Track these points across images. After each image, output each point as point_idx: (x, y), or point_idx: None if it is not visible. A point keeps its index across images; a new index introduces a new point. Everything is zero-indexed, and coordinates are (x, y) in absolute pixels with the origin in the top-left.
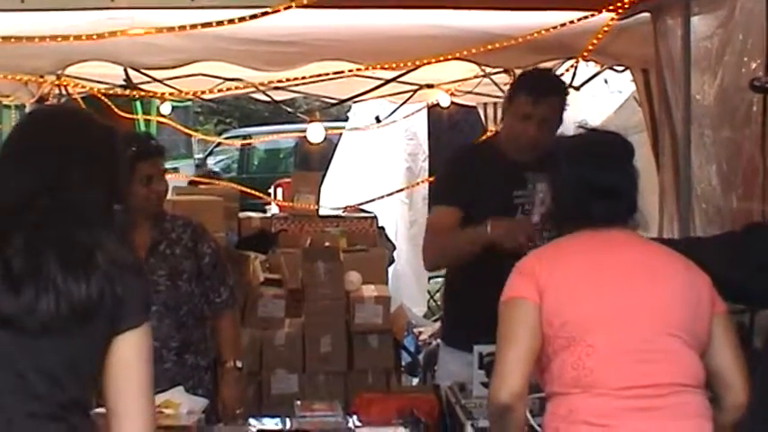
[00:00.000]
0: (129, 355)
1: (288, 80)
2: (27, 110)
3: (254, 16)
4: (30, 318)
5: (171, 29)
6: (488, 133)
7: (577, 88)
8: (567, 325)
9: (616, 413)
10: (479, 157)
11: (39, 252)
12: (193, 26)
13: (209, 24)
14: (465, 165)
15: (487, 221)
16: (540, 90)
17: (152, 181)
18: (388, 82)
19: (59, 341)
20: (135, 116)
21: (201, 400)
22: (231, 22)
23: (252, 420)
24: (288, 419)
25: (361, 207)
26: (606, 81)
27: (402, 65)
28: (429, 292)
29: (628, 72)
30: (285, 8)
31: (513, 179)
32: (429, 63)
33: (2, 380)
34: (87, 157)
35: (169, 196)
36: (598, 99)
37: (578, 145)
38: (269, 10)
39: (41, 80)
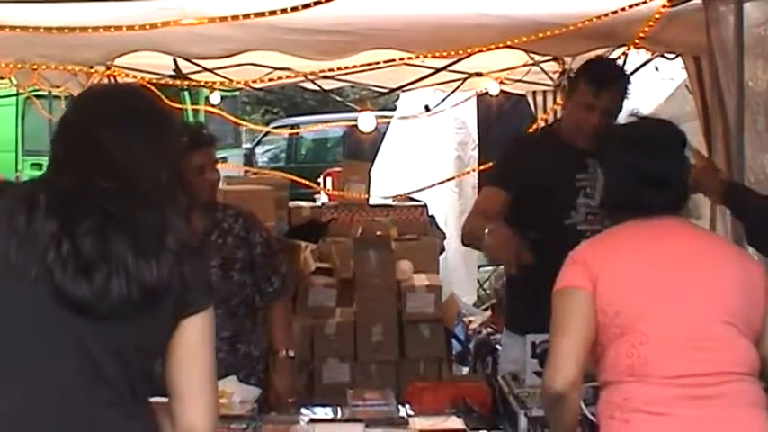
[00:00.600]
0: (196, 338)
1: (338, 69)
2: None
3: (306, 5)
4: (101, 302)
5: (224, 18)
6: (539, 122)
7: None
8: (620, 314)
9: (671, 401)
10: (538, 143)
11: (108, 235)
12: (246, 15)
13: (261, 14)
14: (520, 150)
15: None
16: (602, 80)
17: (204, 170)
18: (438, 71)
19: (130, 324)
20: (183, 106)
21: (254, 390)
22: (284, 11)
23: (304, 409)
24: (340, 408)
25: (411, 196)
26: (657, 68)
27: (453, 53)
28: (479, 280)
29: (679, 59)
30: None
31: (574, 163)
32: (479, 51)
33: (72, 364)
34: (149, 136)
35: (221, 186)
36: (649, 86)
37: (630, 133)
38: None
39: (91, 71)
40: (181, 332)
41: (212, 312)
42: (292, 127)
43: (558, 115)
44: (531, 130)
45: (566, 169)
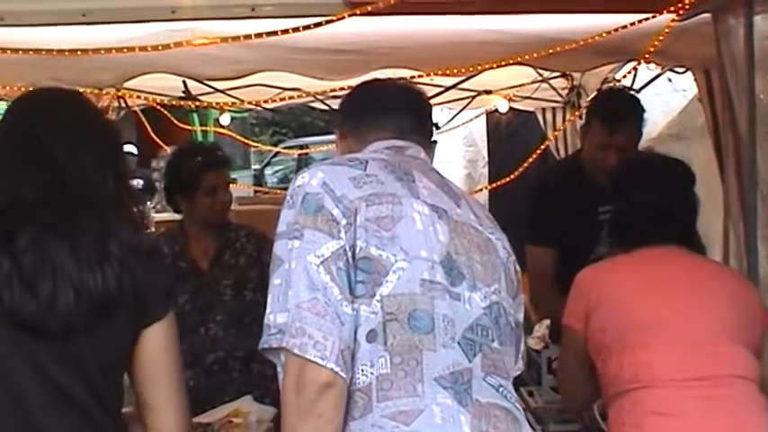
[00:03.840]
0: (157, 347)
1: (348, 88)
2: None
3: (318, 24)
4: (50, 318)
5: (236, 38)
6: (550, 139)
7: (638, 90)
8: (622, 329)
9: (683, 402)
10: (561, 183)
11: (47, 247)
12: (258, 35)
13: (273, 33)
14: (549, 197)
15: None
16: (615, 120)
17: (217, 191)
18: (447, 89)
19: (87, 341)
20: (193, 127)
21: (270, 409)
22: (296, 30)
23: None
24: None
25: None
26: (670, 80)
27: (463, 70)
28: None
29: (689, 73)
30: (349, 15)
31: (596, 196)
32: (489, 68)
33: (37, 391)
34: (92, 140)
35: (232, 206)
36: (663, 98)
37: (641, 169)
38: (333, 18)
39: (100, 92)
40: (142, 343)
41: (173, 320)
42: (301, 147)
43: (568, 132)
44: (552, 168)
45: (589, 204)
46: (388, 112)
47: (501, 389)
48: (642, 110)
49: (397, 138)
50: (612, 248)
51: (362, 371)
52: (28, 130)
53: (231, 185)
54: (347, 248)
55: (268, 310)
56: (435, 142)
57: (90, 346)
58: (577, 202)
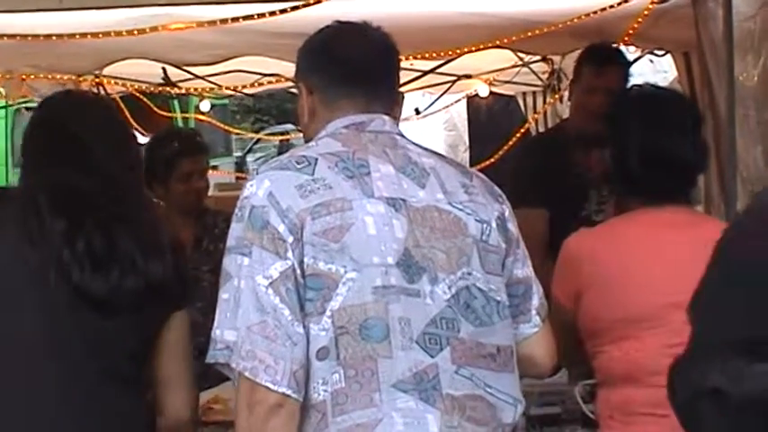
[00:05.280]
0: (180, 330)
1: None
2: None
3: (295, 8)
4: (117, 298)
5: (212, 22)
6: (530, 122)
7: None
8: (613, 321)
9: None
10: (547, 143)
11: (114, 232)
12: (235, 19)
13: (250, 17)
14: (536, 157)
15: None
16: (602, 60)
17: (192, 178)
18: (427, 73)
19: (138, 319)
20: (173, 114)
21: None
22: (272, 14)
23: None
24: None
25: None
26: (652, 61)
27: (442, 54)
28: None
29: (669, 55)
30: None
31: (584, 154)
32: (469, 52)
33: (91, 362)
34: (123, 142)
35: (212, 192)
36: (644, 78)
37: (646, 106)
38: (311, 1)
39: (80, 80)
40: (169, 325)
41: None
42: (283, 134)
43: (548, 116)
44: (537, 135)
45: (576, 161)
46: (358, 74)
47: (475, 378)
48: (628, 59)
49: (365, 109)
50: (605, 204)
51: (315, 388)
52: (65, 128)
53: (213, 172)
54: (295, 267)
55: (215, 325)
56: (402, 96)
57: (138, 324)
58: (563, 161)
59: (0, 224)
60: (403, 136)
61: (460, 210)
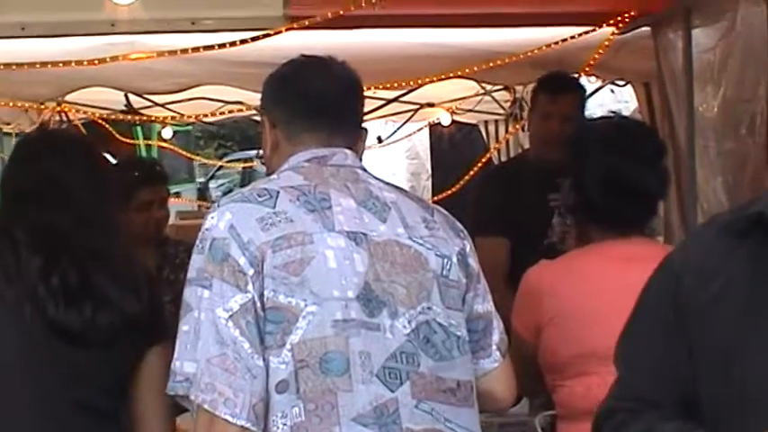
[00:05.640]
0: (159, 365)
1: None
2: None
3: (255, 38)
4: (91, 332)
5: (173, 52)
6: (492, 151)
7: None
8: (575, 357)
9: None
10: (509, 172)
11: (89, 268)
12: (195, 49)
13: (210, 47)
14: (496, 186)
15: None
16: (557, 87)
17: (151, 207)
18: (389, 102)
19: (115, 353)
20: (136, 141)
21: None
22: (233, 44)
23: None
24: None
25: None
26: (613, 91)
27: (404, 84)
28: None
29: (629, 86)
30: (286, 29)
31: (545, 184)
32: (431, 82)
33: (64, 394)
34: (101, 178)
35: (173, 221)
36: (605, 108)
37: (611, 134)
38: (270, 32)
39: (42, 107)
40: (147, 359)
41: (169, 343)
42: (245, 160)
43: (511, 144)
44: (499, 163)
45: (538, 191)
46: (320, 108)
47: (435, 412)
48: (583, 87)
49: (326, 143)
50: (564, 235)
51: (275, 422)
52: (43, 167)
53: (174, 199)
54: (255, 300)
55: (175, 356)
56: (366, 131)
57: (112, 358)
58: (526, 189)
59: None
60: (365, 170)
61: (421, 244)
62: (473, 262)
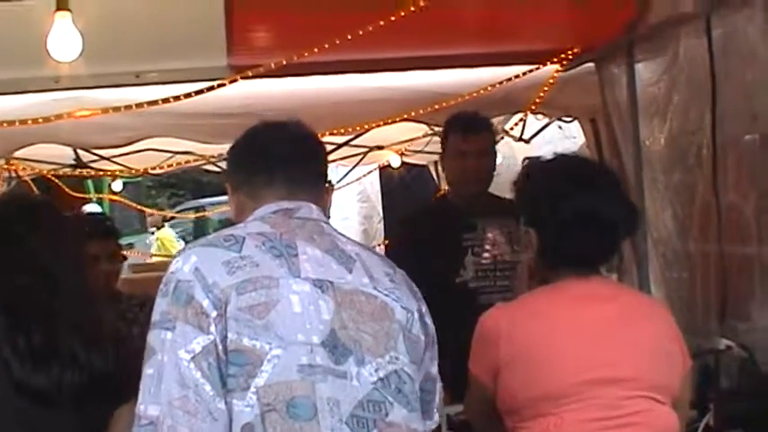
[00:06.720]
0: (130, 421)
1: None
2: None
3: (199, 91)
4: (58, 391)
5: (117, 109)
6: (441, 191)
7: (528, 141)
8: (532, 399)
9: None
10: (426, 212)
11: (55, 329)
12: (139, 105)
13: (155, 102)
14: (410, 223)
15: None
16: (467, 126)
17: (99, 262)
18: (339, 147)
19: (84, 412)
20: (87, 195)
21: None
22: (177, 98)
23: None
24: None
25: None
26: (560, 127)
27: (351, 129)
28: None
29: (576, 122)
30: (231, 82)
31: (460, 224)
32: (378, 126)
33: None
34: (64, 239)
35: (126, 274)
36: (553, 145)
37: (566, 169)
38: (215, 85)
39: None
40: (117, 416)
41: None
42: (197, 210)
43: None
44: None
45: (452, 230)
46: (278, 165)
47: None
48: (492, 126)
49: (289, 197)
50: (484, 270)
51: None
52: (10, 230)
53: (128, 252)
54: (218, 342)
55: (140, 400)
56: (332, 186)
57: (82, 417)
58: (439, 227)
59: None
60: (329, 225)
61: (386, 295)
62: (430, 323)
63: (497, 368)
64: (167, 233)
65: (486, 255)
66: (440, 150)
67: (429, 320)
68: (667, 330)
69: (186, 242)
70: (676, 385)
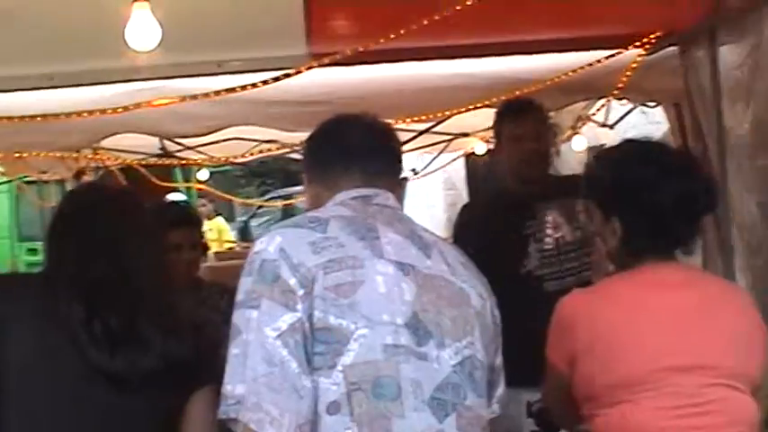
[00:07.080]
0: (204, 408)
1: None
2: (68, 186)
3: (276, 78)
4: (133, 376)
5: (194, 97)
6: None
7: (612, 126)
8: (609, 386)
9: None
10: (484, 203)
11: (134, 315)
12: (217, 93)
13: (232, 90)
14: (466, 215)
15: None
16: (516, 110)
17: (181, 250)
18: (421, 133)
19: (157, 397)
20: (175, 183)
21: None
22: (254, 86)
23: None
24: None
25: None
26: (644, 112)
27: (432, 116)
28: None
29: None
30: (307, 68)
31: (520, 213)
32: (458, 113)
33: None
34: (141, 227)
35: (211, 262)
36: (638, 130)
37: (641, 153)
38: (291, 72)
39: (77, 155)
40: (191, 403)
41: (215, 388)
42: (285, 198)
43: None
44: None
45: (513, 220)
46: (354, 155)
47: None
48: (542, 108)
49: (365, 185)
50: (547, 258)
51: None
52: (90, 218)
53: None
54: (304, 320)
55: (226, 380)
56: (406, 179)
57: (156, 404)
58: (499, 218)
59: (21, 310)
60: (406, 214)
61: (463, 282)
62: (498, 314)
63: (575, 355)
64: (220, 223)
65: (548, 239)
66: None
67: (497, 312)
68: (749, 318)
69: None
70: (757, 374)
